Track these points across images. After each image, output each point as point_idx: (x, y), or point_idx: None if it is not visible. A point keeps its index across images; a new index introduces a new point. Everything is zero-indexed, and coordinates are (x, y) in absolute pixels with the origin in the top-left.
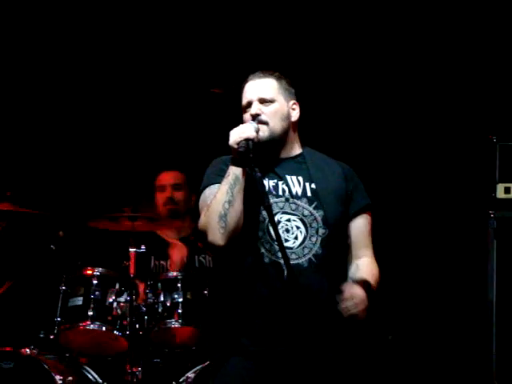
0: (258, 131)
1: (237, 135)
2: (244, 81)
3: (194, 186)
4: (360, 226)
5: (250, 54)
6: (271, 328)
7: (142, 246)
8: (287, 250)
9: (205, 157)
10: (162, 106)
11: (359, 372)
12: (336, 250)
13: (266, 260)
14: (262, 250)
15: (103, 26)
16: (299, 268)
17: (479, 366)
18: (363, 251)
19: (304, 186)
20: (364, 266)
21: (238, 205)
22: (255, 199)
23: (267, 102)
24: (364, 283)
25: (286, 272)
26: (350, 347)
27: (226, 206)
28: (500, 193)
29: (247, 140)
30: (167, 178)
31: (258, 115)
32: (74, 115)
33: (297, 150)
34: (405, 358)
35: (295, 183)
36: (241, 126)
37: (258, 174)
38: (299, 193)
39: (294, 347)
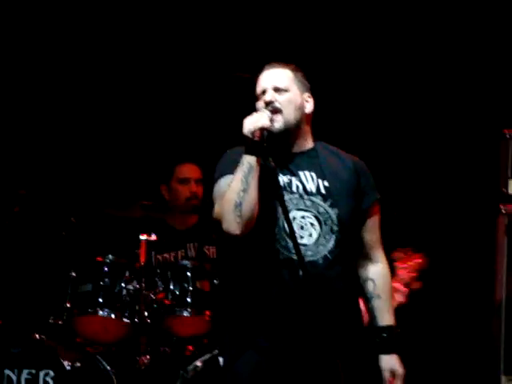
0: (271, 120)
1: (251, 124)
2: (259, 71)
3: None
4: (372, 223)
5: (265, 42)
6: (283, 325)
7: (153, 235)
8: (302, 247)
9: (216, 150)
10: (173, 99)
11: (372, 369)
12: (349, 247)
13: (281, 257)
14: (277, 247)
15: (121, 12)
16: (314, 265)
17: (487, 360)
18: (376, 251)
19: (317, 182)
20: (381, 283)
21: (253, 193)
22: (269, 194)
23: (281, 91)
24: (393, 340)
25: (300, 269)
26: (362, 345)
27: (241, 194)
28: None
29: (261, 129)
30: (191, 171)
31: (271, 102)
32: (89, 103)
33: (309, 144)
34: (412, 353)
35: (309, 179)
36: (254, 114)
37: (272, 163)
38: (313, 189)
39: (306, 344)
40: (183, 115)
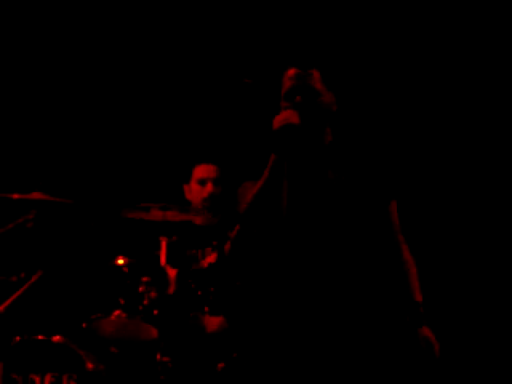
0: (301, 118)
1: (281, 121)
2: (285, 70)
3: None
4: None
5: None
6: (309, 320)
7: (173, 237)
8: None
9: (235, 151)
10: (190, 99)
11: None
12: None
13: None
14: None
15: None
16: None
17: None
18: None
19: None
20: None
21: (273, 191)
22: (295, 189)
23: (315, 94)
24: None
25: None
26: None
27: (266, 192)
28: None
29: (290, 127)
30: (208, 171)
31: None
32: (105, 104)
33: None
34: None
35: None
36: (284, 112)
37: (303, 161)
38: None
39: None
40: (203, 116)
